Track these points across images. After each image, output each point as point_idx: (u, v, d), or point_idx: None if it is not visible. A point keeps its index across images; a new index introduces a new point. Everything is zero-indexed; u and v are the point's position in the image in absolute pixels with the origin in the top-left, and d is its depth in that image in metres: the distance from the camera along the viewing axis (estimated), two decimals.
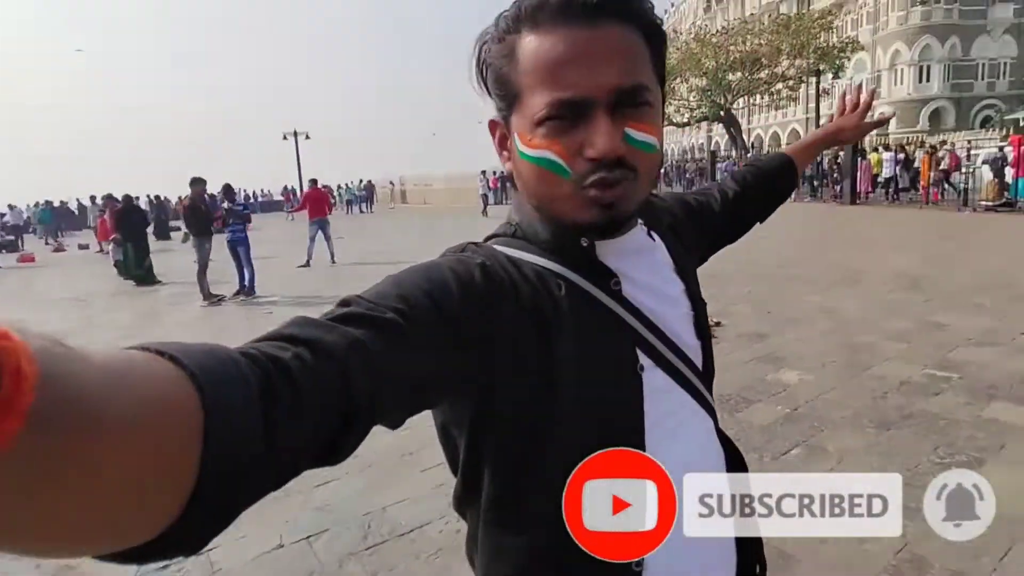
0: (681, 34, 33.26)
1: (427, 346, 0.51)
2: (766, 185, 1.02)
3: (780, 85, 27.39)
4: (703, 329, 0.73)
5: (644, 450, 0.63)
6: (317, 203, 11.14)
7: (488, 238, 0.71)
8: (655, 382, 0.65)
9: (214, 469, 0.31)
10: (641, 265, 0.69)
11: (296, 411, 0.38)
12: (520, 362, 0.59)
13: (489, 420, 0.61)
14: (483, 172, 23.88)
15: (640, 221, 0.72)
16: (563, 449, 0.61)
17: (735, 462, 0.75)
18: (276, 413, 0.37)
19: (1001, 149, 13.92)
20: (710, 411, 0.72)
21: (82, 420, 0.24)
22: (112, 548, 0.28)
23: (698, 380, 0.70)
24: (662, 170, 0.67)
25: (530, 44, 0.59)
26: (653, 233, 0.75)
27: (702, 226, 0.89)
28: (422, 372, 0.51)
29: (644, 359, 0.65)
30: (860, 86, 1.15)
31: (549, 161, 0.60)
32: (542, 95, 0.58)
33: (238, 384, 0.35)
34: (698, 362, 0.71)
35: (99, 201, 18.66)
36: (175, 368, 0.32)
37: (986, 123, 33.85)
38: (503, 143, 0.67)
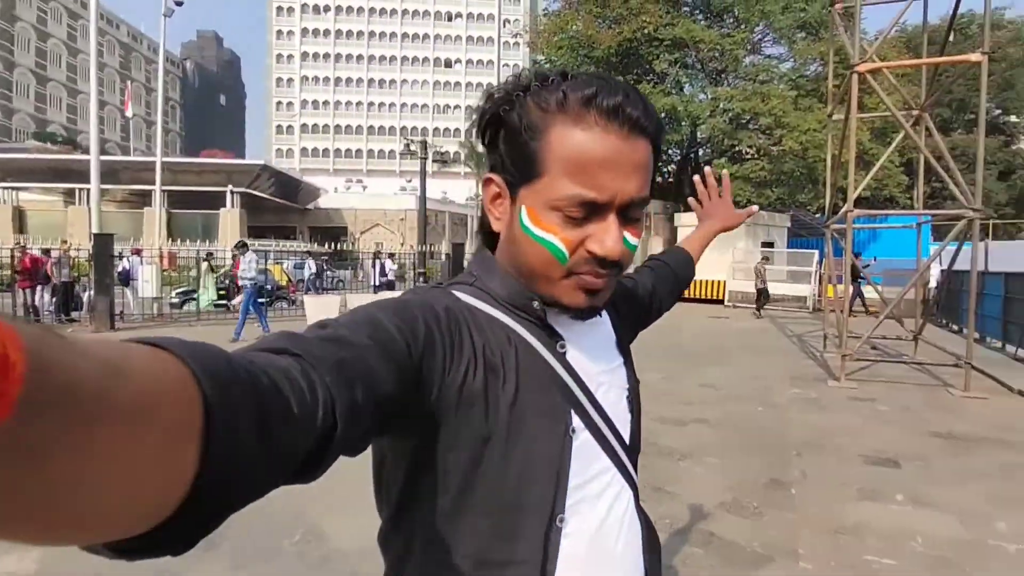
0: None
1: (393, 376, 0.53)
2: (673, 277, 1.12)
3: None
4: (635, 404, 0.78)
5: (563, 510, 0.66)
6: None
7: (449, 284, 0.74)
8: (584, 446, 0.68)
9: (213, 467, 0.32)
10: (587, 335, 0.74)
11: (288, 418, 0.40)
12: (465, 403, 0.62)
13: (428, 458, 0.63)
14: None
15: None
16: (489, 495, 0.64)
17: (651, 540, 0.80)
18: (271, 418, 0.38)
19: None
20: (632, 484, 0.75)
21: (77, 410, 0.24)
22: (102, 539, 0.29)
23: (624, 452, 0.73)
24: None
25: (568, 133, 0.62)
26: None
27: (633, 308, 0.95)
28: (387, 400, 0.53)
29: (576, 422, 0.68)
30: (707, 172, 1.26)
31: (553, 246, 0.64)
32: (568, 187, 0.62)
33: (238, 384, 0.36)
34: (626, 435, 0.75)
35: None
36: (176, 362, 0.32)
37: None
38: (495, 202, 0.70)
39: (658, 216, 20.38)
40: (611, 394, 0.74)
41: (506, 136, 0.67)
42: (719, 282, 18.31)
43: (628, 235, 0.66)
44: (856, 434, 5.12)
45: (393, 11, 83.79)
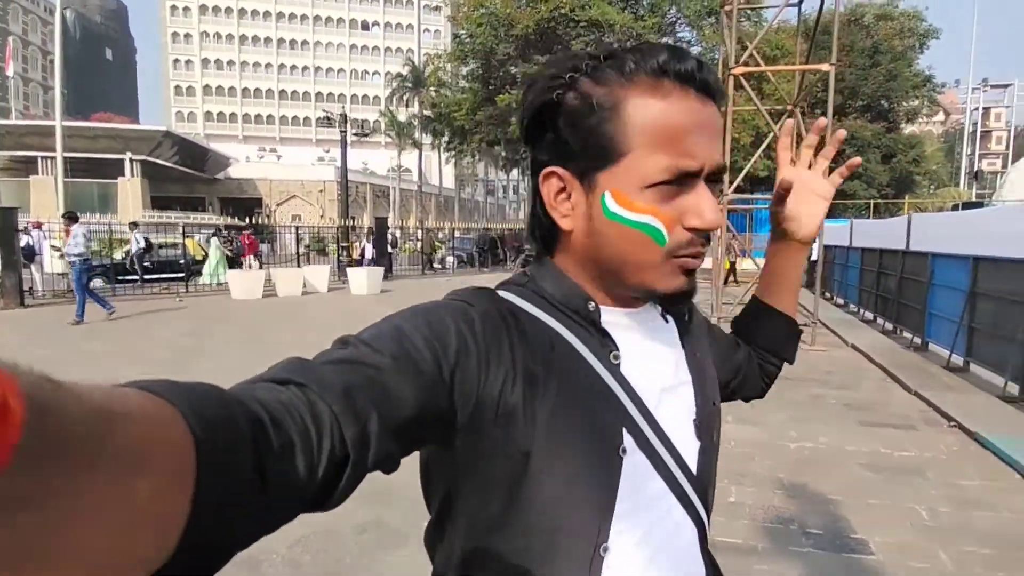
0: None
1: (419, 394, 0.52)
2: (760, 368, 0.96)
3: None
4: (705, 431, 0.70)
5: (607, 538, 0.61)
6: None
7: (500, 284, 0.71)
8: (636, 469, 0.63)
9: (205, 510, 0.32)
10: (650, 344, 0.69)
11: (288, 454, 0.40)
12: (503, 417, 0.58)
13: (469, 471, 0.61)
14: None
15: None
16: (528, 514, 0.60)
17: None
18: (268, 456, 0.38)
19: None
20: (697, 521, 0.68)
21: (72, 458, 0.24)
22: None
23: (688, 481, 0.67)
24: None
25: (646, 104, 0.59)
26: (668, 315, 0.73)
27: (719, 350, 0.86)
28: (413, 418, 0.51)
29: (628, 441, 0.63)
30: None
31: (651, 228, 0.60)
32: (660, 159, 0.58)
33: (230, 426, 0.36)
34: (691, 463, 0.68)
35: None
36: (168, 407, 0.32)
37: None
38: (559, 197, 0.65)
39: None
40: (675, 415, 0.68)
41: (568, 121, 0.62)
42: None
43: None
44: None
45: None
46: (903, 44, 29.64)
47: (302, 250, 18.37)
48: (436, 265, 24.13)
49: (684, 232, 0.61)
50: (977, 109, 62.39)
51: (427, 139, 34.32)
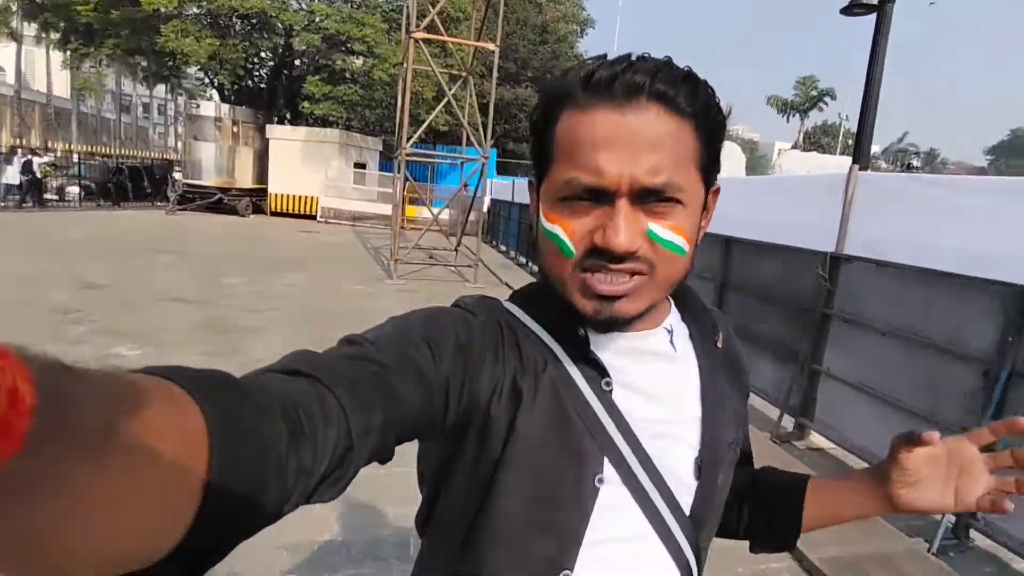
0: None
1: (418, 394, 0.54)
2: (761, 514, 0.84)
3: None
4: (708, 471, 0.67)
5: (572, 566, 0.61)
6: None
7: (514, 293, 0.74)
8: (614, 500, 0.62)
9: (216, 498, 0.32)
10: (650, 372, 0.67)
11: (298, 443, 0.41)
12: (487, 426, 0.61)
13: (450, 473, 0.65)
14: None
15: (667, 326, 0.69)
16: (498, 526, 0.62)
17: None
18: (280, 444, 0.39)
19: None
20: (682, 563, 0.65)
21: (83, 444, 0.25)
22: (103, 574, 0.29)
23: (675, 520, 0.64)
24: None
25: (567, 118, 0.59)
26: (679, 343, 0.70)
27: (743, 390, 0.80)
28: (413, 414, 0.54)
29: (609, 471, 0.62)
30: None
31: (557, 237, 0.60)
32: (566, 172, 0.59)
33: (242, 414, 0.36)
34: (684, 501, 0.65)
35: None
36: (181, 393, 0.33)
37: None
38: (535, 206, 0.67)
39: (247, 125, 20.39)
40: (671, 450, 0.65)
41: (531, 136, 0.65)
42: (312, 198, 20.21)
43: (658, 228, 0.58)
44: (389, 311, 7.24)
45: None
46: (567, 28, 34.31)
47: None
48: (50, 196, 18.75)
49: (591, 245, 0.59)
50: None
51: (31, 31, 26.00)
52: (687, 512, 0.66)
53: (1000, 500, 0.67)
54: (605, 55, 0.61)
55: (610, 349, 0.66)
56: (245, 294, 7.89)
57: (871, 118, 4.68)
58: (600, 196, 0.58)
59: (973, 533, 3.20)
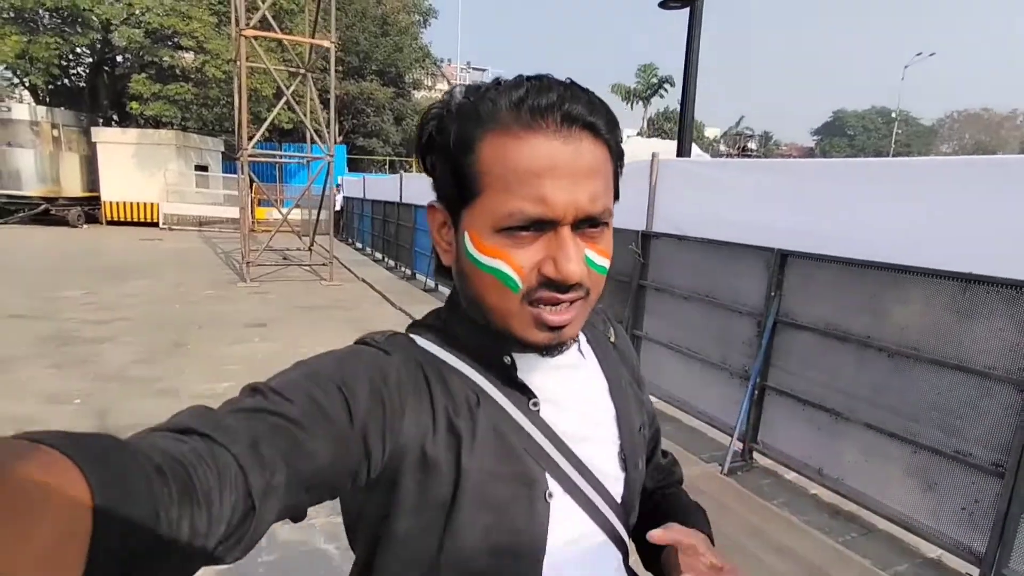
0: None
1: (330, 444, 0.52)
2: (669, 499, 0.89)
3: None
4: (631, 460, 0.72)
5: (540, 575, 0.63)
6: None
7: (414, 324, 0.72)
8: (564, 511, 0.65)
9: (101, 561, 0.32)
10: (567, 383, 0.70)
11: (188, 505, 0.39)
12: (424, 469, 0.59)
13: (389, 524, 0.61)
14: None
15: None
16: (457, 566, 0.61)
17: None
18: (168, 507, 0.38)
19: None
20: (620, 545, 0.71)
21: None
22: None
23: (611, 511, 0.70)
24: None
25: (498, 143, 0.57)
26: (584, 349, 0.74)
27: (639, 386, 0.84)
28: (325, 468, 0.51)
29: (554, 485, 0.65)
30: None
31: (501, 273, 0.59)
32: (508, 204, 0.57)
33: (128, 476, 0.36)
34: (616, 492, 0.70)
35: None
36: (62, 458, 0.32)
37: None
38: (442, 232, 0.65)
39: (70, 129, 18.69)
40: (599, 450, 0.70)
41: (437, 158, 0.63)
42: (152, 204, 18.92)
43: (591, 252, 0.61)
44: (244, 313, 7.63)
45: None
46: (409, 19, 34.49)
47: None
48: None
49: (539, 278, 0.59)
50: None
51: None
52: (619, 501, 0.71)
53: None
54: (522, 75, 0.61)
55: (530, 370, 0.67)
56: (87, 305, 7.58)
57: (691, 106, 5.35)
58: (544, 226, 0.58)
59: (756, 456, 4.01)
